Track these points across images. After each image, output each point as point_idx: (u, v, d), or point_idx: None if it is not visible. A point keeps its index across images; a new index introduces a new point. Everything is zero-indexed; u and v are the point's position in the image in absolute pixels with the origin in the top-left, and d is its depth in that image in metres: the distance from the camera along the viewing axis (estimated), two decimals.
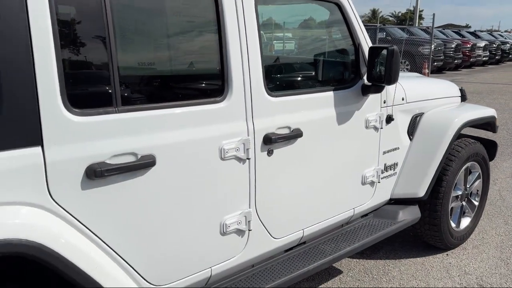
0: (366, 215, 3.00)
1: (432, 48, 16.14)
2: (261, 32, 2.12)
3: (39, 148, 1.49)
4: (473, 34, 28.51)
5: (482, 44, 23.05)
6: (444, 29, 27.22)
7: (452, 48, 19.30)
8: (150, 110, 1.75)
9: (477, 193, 3.65)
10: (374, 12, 70.65)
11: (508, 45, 26.95)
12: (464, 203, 3.54)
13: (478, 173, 3.58)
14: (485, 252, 3.50)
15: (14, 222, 1.42)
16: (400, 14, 70.17)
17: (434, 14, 19.22)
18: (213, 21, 1.95)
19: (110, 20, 1.60)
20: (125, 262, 1.73)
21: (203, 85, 2.11)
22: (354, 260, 3.35)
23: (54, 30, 1.47)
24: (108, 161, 1.63)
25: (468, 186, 3.52)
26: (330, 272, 3.18)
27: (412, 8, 68.12)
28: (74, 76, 1.64)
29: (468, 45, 21.77)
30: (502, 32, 42.05)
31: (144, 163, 1.71)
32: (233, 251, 2.13)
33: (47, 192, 1.51)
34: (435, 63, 17.58)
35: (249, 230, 2.16)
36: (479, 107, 3.64)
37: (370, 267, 3.28)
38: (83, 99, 1.62)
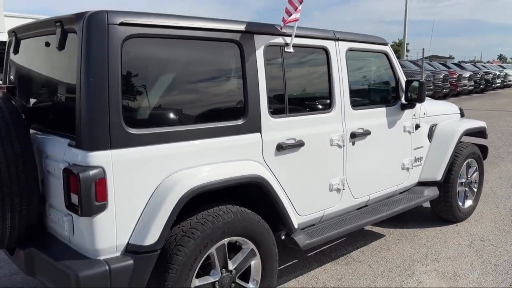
0: (402, 192, 4.41)
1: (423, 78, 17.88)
2: (348, 70, 3.58)
3: (259, 134, 2.90)
4: (458, 65, 30.63)
5: (467, 74, 25.01)
6: (431, 61, 29.23)
7: (440, 78, 21.14)
8: (301, 116, 3.19)
9: (475, 182, 5.09)
10: None
11: (491, 75, 28.96)
12: (466, 188, 4.97)
13: (475, 167, 5.04)
14: (483, 223, 4.91)
15: (253, 168, 2.82)
16: None
17: (423, 49, 21.20)
18: (325, 66, 3.41)
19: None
20: (289, 199, 3.11)
21: (321, 102, 3.53)
22: (391, 229, 4.74)
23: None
24: (285, 142, 3.04)
25: (469, 176, 4.97)
26: (377, 236, 4.56)
27: (397, 41, 71.29)
28: (274, 98, 3.04)
29: (455, 76, 23.68)
30: (484, 63, 44.61)
31: (299, 144, 3.13)
32: (334, 201, 3.53)
33: (262, 156, 2.92)
34: (426, 93, 19.26)
35: (343, 189, 3.56)
36: (474, 120, 5.11)
37: (404, 233, 4.66)
38: (276, 109, 3.04)
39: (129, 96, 2.40)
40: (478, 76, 26.51)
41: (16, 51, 3.09)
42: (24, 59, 3.10)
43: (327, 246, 4.27)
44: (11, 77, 3.27)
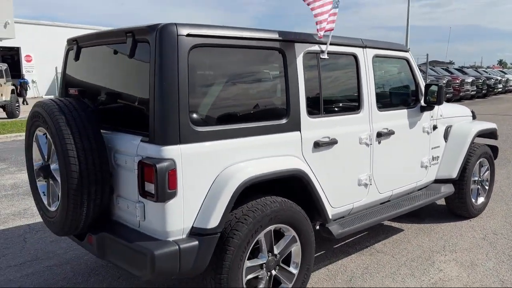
0: (421, 189, 4.73)
1: None
2: (374, 75, 3.92)
3: (299, 132, 3.23)
4: (460, 70, 31.01)
5: (469, 79, 25.40)
6: (434, 67, 29.63)
7: (443, 83, 21.51)
8: (334, 116, 3.52)
9: (487, 180, 5.41)
10: None
11: (492, 80, 29.35)
12: (479, 186, 5.29)
13: (487, 166, 5.36)
14: (495, 219, 5.23)
15: (295, 162, 3.15)
16: None
17: (427, 54, 21.55)
18: (354, 71, 3.75)
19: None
20: (324, 192, 3.43)
21: (351, 104, 3.85)
22: (409, 224, 5.05)
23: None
24: (321, 140, 3.37)
25: (481, 174, 5.29)
26: (397, 230, 4.88)
27: None
28: (311, 99, 3.36)
29: (457, 81, 24.07)
30: (485, 68, 45.05)
31: (333, 142, 3.46)
32: (362, 195, 3.85)
33: (301, 152, 3.25)
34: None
35: (370, 184, 3.88)
36: (486, 122, 5.44)
37: (421, 227, 4.98)
38: (313, 110, 3.36)
39: (194, 98, 2.72)
40: (480, 81, 26.91)
41: (77, 58, 3.43)
42: (86, 65, 3.42)
43: (351, 239, 4.59)
44: (69, 81, 3.60)
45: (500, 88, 30.38)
